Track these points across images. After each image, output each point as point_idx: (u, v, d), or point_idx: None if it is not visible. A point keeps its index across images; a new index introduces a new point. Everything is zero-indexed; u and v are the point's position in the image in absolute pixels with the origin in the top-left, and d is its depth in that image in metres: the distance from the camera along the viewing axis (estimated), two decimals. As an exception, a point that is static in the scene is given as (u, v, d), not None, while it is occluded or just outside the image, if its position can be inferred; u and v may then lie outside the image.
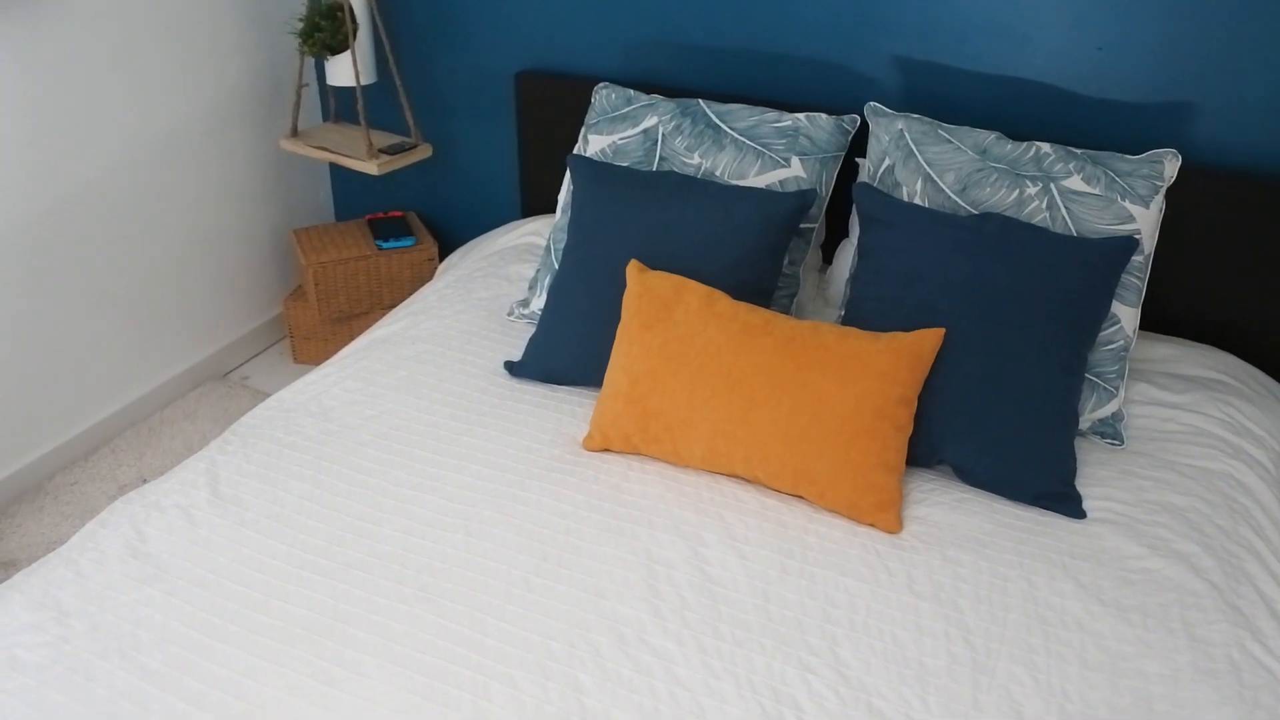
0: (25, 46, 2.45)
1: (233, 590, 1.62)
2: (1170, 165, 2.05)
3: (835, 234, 2.52)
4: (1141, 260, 2.02)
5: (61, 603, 1.60)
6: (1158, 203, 2.02)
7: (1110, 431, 1.99)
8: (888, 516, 1.76)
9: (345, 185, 3.54)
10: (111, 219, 2.78)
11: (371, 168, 2.93)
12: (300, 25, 2.89)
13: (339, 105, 3.29)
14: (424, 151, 3.07)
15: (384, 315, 2.78)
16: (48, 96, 2.53)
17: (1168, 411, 2.05)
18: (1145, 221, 2.01)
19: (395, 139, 3.10)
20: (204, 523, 1.76)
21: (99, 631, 1.54)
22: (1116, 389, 2.00)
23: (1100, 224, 2.01)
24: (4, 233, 2.51)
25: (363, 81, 2.93)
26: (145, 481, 2.74)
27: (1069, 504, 1.81)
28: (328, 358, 3.14)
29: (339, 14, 2.83)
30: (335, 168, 3.52)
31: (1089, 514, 1.81)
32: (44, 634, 1.54)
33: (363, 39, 2.89)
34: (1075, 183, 2.04)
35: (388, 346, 2.28)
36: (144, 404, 3.03)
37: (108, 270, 2.81)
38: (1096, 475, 1.90)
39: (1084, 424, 1.99)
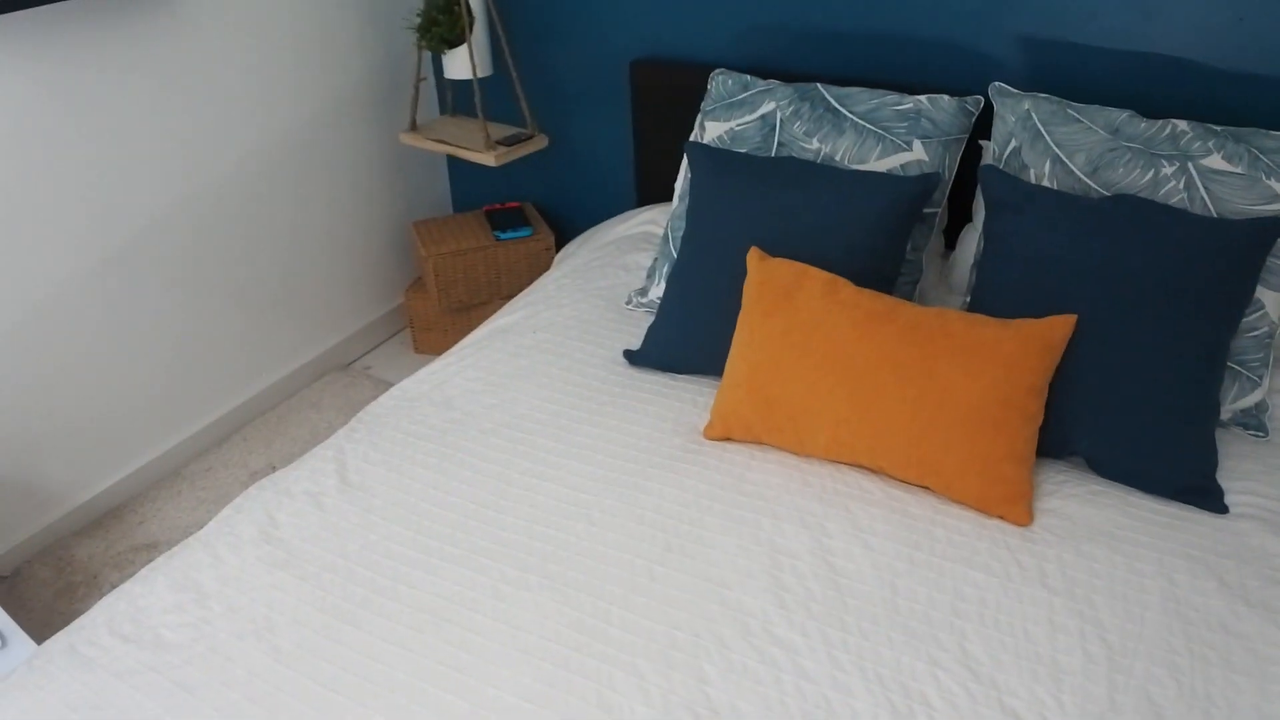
0: (159, 50, 2.54)
1: (361, 575, 1.66)
2: (1319, 141, 1.94)
3: (959, 219, 2.47)
4: (1288, 242, 1.92)
5: (201, 585, 1.66)
6: (1307, 181, 1.92)
7: (1254, 423, 1.90)
8: (1017, 509, 1.71)
9: (463, 177, 3.59)
10: (238, 216, 2.88)
11: (489, 159, 2.97)
12: (418, 20, 2.93)
13: (456, 98, 3.33)
14: (540, 142, 3.09)
15: (503, 305, 2.82)
16: (179, 102, 2.63)
17: (1317, 401, 1.95)
18: (1292, 201, 1.91)
19: (512, 130, 3.13)
20: (333, 509, 1.80)
21: (236, 613, 1.60)
22: (1261, 378, 1.91)
23: (1243, 204, 1.92)
24: (140, 232, 2.61)
25: (479, 74, 2.97)
26: (275, 469, 2.82)
27: (1210, 498, 1.74)
28: (447, 348, 3.21)
29: (455, 8, 2.87)
30: (453, 160, 3.57)
31: (1232, 509, 1.73)
32: (185, 614, 1.60)
33: (478, 32, 2.93)
34: (1215, 161, 1.95)
35: (507, 336, 2.30)
36: (271, 393, 3.13)
37: (235, 266, 2.91)
38: (1240, 469, 1.82)
39: (1225, 414, 1.91)
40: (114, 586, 2.39)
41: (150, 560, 2.45)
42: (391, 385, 2.36)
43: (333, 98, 3.07)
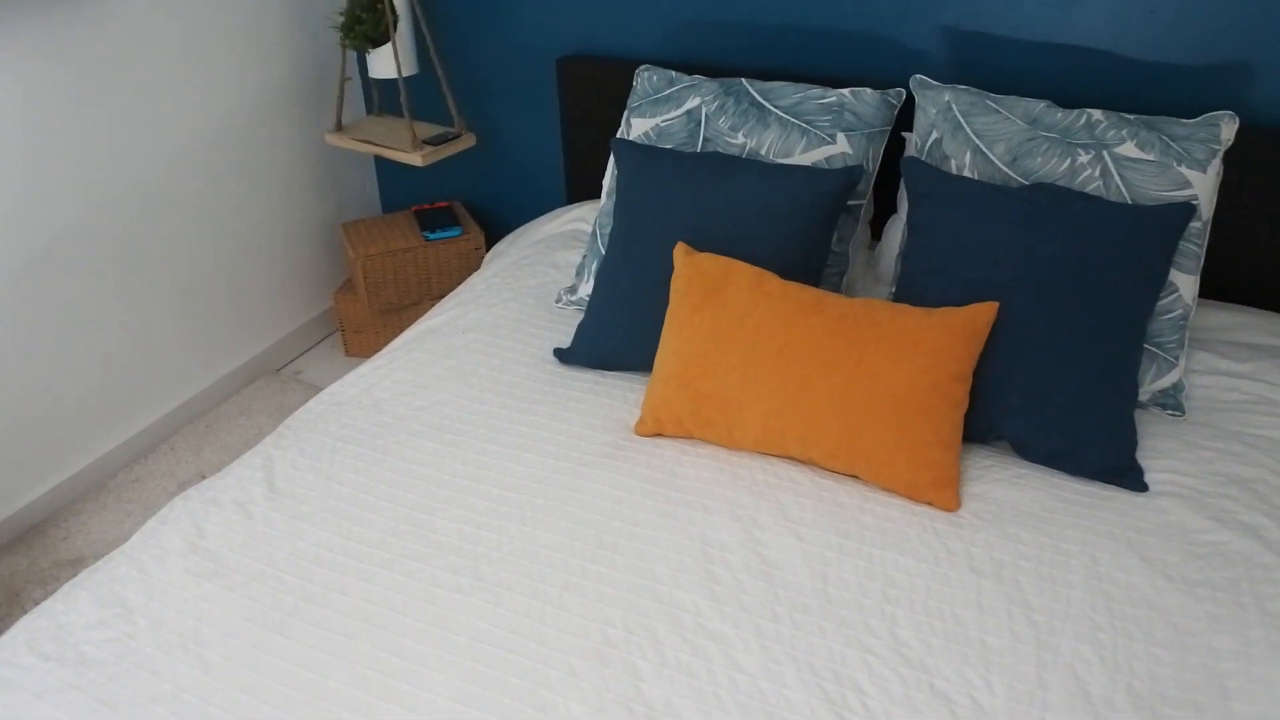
0: (79, 47, 2.48)
1: (291, 583, 1.63)
2: (1227, 128, 1.99)
3: (884, 210, 2.49)
4: (1199, 226, 1.96)
5: (126, 599, 1.62)
6: (1215, 167, 1.97)
7: (1171, 402, 1.95)
8: (945, 494, 1.74)
9: (391, 177, 3.56)
10: (162, 218, 2.82)
11: (416, 159, 2.94)
12: (341, 19, 2.90)
13: (382, 97, 3.30)
14: (468, 141, 3.07)
15: (433, 306, 2.79)
16: (99, 96, 2.57)
17: (1231, 380, 2.00)
18: (1202, 187, 1.96)
19: (439, 129, 3.11)
20: (261, 517, 1.78)
21: (162, 627, 1.57)
22: (1177, 359, 1.95)
23: (1156, 191, 1.96)
24: (59, 233, 2.55)
25: (404, 73, 2.94)
26: (204, 477, 2.78)
27: (1131, 477, 1.78)
28: (379, 350, 3.17)
29: (379, 6, 2.84)
30: (380, 160, 3.54)
31: (1152, 487, 1.78)
32: (110, 630, 1.57)
33: (403, 30, 2.90)
34: (1129, 149, 1.99)
35: (437, 337, 2.28)
36: (200, 400, 3.07)
37: (161, 270, 2.85)
38: (1159, 448, 1.86)
39: (1144, 395, 1.95)
40: (36, 604, 2.33)
41: (74, 576, 2.39)
42: (322, 389, 2.33)
43: (258, 97, 3.02)
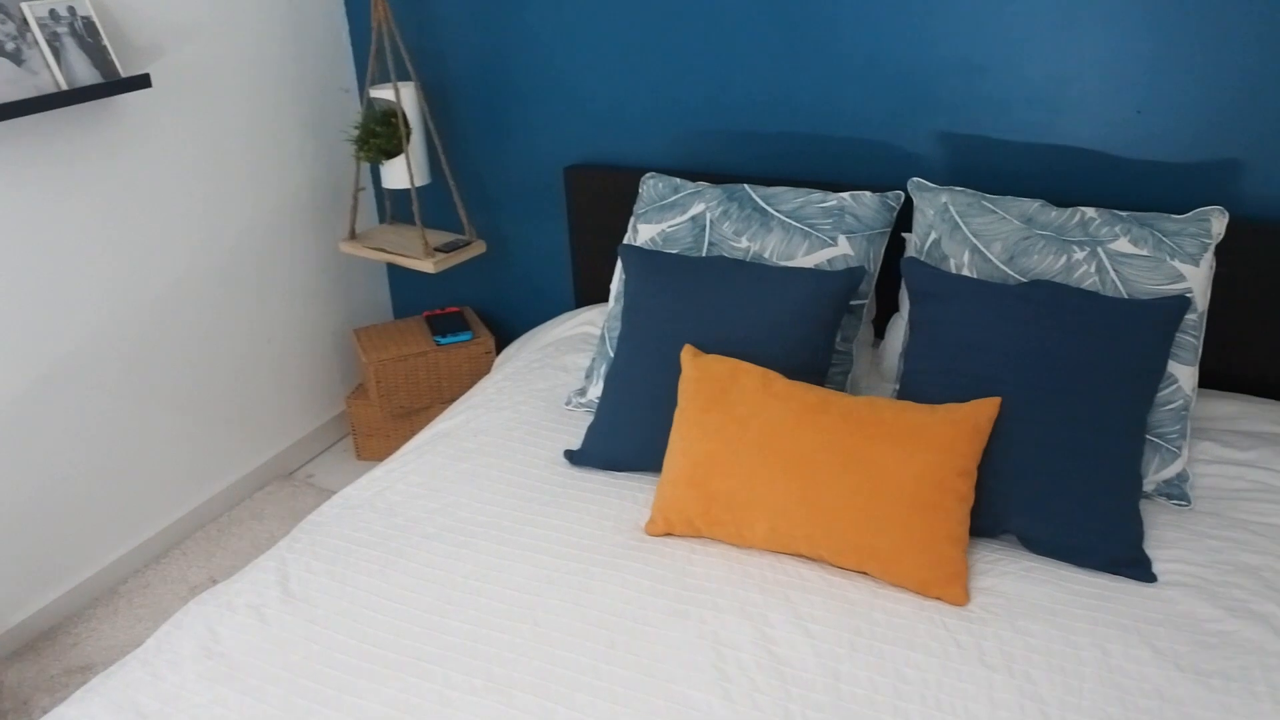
0: (102, 164, 2.58)
1: (305, 687, 1.64)
2: (1217, 222, 2.04)
3: (886, 309, 2.54)
4: (1195, 318, 2.00)
5: (139, 705, 1.63)
6: (1207, 260, 2.02)
7: (1176, 492, 1.97)
8: (954, 589, 1.75)
9: (403, 284, 3.63)
10: (179, 327, 2.88)
11: (428, 266, 3.01)
12: (356, 132, 3.00)
13: (395, 206, 3.39)
14: (478, 248, 3.15)
15: (444, 409, 2.83)
16: (119, 213, 2.65)
17: (1235, 469, 2.02)
18: (1196, 279, 2.01)
19: (450, 237, 3.19)
20: (275, 620, 1.79)
21: (178, 733, 1.57)
22: (1179, 449, 1.97)
23: (1151, 285, 2.01)
24: (75, 346, 2.61)
25: (417, 183, 3.03)
26: (215, 582, 2.78)
27: (1139, 568, 1.79)
28: (391, 454, 3.20)
29: (393, 120, 2.94)
30: (393, 267, 3.62)
31: (1160, 577, 1.78)
32: (125, 737, 1.57)
33: (416, 142, 2.99)
34: (1123, 245, 2.05)
35: (449, 440, 2.32)
36: (213, 505, 3.10)
37: (176, 378, 2.90)
38: (1165, 537, 1.87)
39: (1149, 486, 1.97)
40: (45, 712, 2.32)
41: (84, 683, 2.39)
42: (334, 493, 2.36)
43: (274, 208, 3.11)
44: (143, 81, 2.50)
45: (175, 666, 1.70)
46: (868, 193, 2.34)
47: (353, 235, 3.20)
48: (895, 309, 2.47)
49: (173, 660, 1.71)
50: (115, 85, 2.43)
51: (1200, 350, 2.02)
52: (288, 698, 1.62)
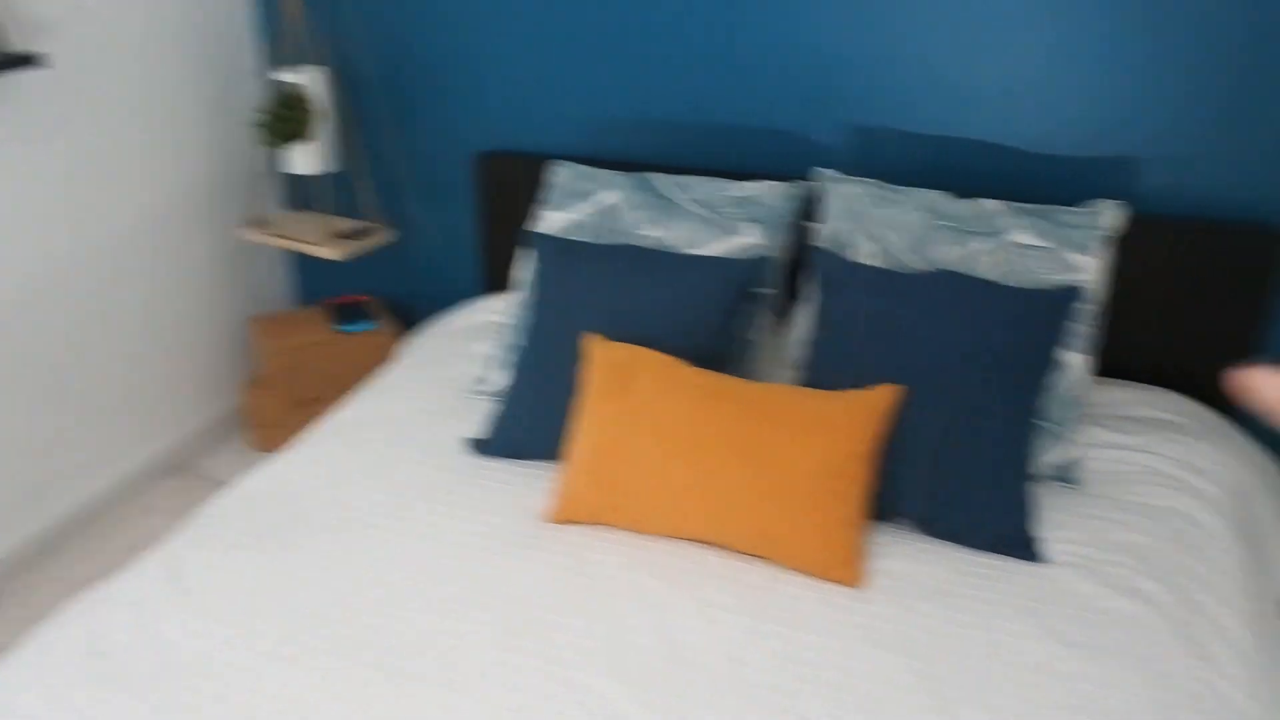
0: (-15, 147, 2.48)
1: (193, 684, 1.59)
2: (1111, 215, 2.10)
3: (792, 297, 2.56)
4: (1089, 308, 2.05)
5: (17, 708, 1.57)
6: (1102, 251, 2.07)
7: (1067, 475, 2.02)
8: (851, 571, 1.77)
9: (309, 273, 3.56)
10: (66, 312, 2.77)
11: (333, 253, 2.96)
12: (260, 115, 2.93)
13: (300, 193, 3.32)
14: (384, 235, 3.10)
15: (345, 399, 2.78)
16: (8, 188, 2.55)
17: (1123, 454, 2.08)
18: (1090, 271, 2.06)
19: (356, 224, 3.13)
20: (163, 617, 1.73)
21: (60, 730, 1.52)
22: (1071, 434, 2.02)
23: (1048, 275, 2.05)
24: (-36, 333, 2.51)
25: (323, 169, 2.97)
26: (99, 580, 2.70)
27: (1028, 548, 1.83)
28: (289, 444, 3.14)
29: (299, 103, 2.88)
30: (298, 255, 3.55)
31: (1048, 557, 1.83)
32: (3, 736, 1.51)
33: (322, 127, 2.94)
34: (1021, 236, 2.09)
35: (350, 429, 2.28)
36: (99, 500, 2.99)
37: (63, 364, 2.79)
38: (1055, 519, 1.92)
39: (1042, 469, 2.02)
40: (-69, 713, 2.23)
41: (-28, 682, 2.30)
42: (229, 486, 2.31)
43: (172, 191, 3.02)
44: (36, 60, 2.41)
45: (56, 668, 1.64)
46: (775, 182, 2.35)
47: (255, 221, 3.13)
48: (800, 298, 2.49)
49: (54, 660, 1.65)
50: (3, 62, 2.34)
51: (1096, 339, 2.07)
52: (174, 696, 1.57)
